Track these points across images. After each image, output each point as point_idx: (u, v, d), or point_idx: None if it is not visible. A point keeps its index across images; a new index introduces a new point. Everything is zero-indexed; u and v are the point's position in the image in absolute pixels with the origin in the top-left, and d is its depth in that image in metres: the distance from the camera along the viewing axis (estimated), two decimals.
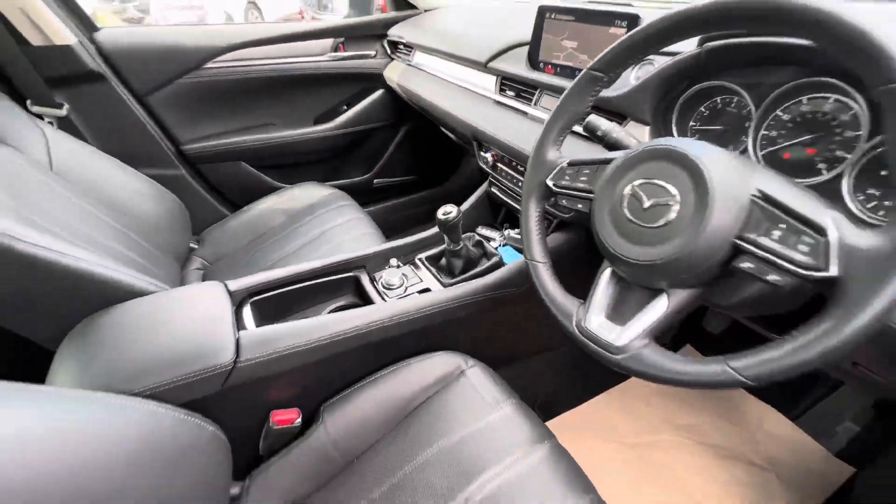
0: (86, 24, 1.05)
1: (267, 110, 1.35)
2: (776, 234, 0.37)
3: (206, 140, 1.29)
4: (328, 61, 1.34)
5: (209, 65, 1.20)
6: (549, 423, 0.65)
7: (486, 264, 0.87)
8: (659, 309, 0.45)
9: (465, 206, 1.03)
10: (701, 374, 0.40)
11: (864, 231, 0.34)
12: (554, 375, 1.08)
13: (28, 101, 1.00)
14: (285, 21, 7.46)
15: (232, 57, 1.23)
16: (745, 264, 0.38)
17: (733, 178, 0.39)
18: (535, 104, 0.86)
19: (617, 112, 0.69)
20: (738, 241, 0.39)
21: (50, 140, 0.89)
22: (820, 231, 0.34)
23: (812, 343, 0.33)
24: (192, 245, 1.18)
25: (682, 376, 0.41)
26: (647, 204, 0.43)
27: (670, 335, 1.23)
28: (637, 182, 0.44)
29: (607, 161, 0.49)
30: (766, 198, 0.38)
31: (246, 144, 1.33)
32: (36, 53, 0.97)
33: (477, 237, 0.94)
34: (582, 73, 0.53)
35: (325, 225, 1.12)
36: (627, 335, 0.45)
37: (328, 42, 1.35)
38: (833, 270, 0.33)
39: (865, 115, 0.48)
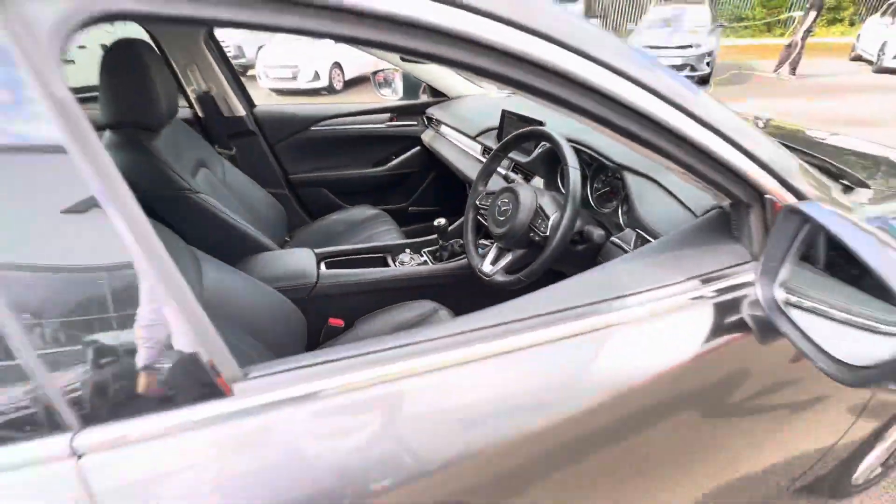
0: (250, 103, 1.81)
1: (343, 156, 2.05)
2: (540, 221, 0.91)
3: (303, 172, 1.99)
4: (385, 127, 2.04)
5: (313, 127, 1.92)
6: None
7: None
8: (507, 258, 0.99)
9: (457, 223, 1.61)
10: (510, 281, 0.93)
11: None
12: None
13: (216, 145, 1.74)
14: (360, 75, 8.57)
15: (328, 122, 1.95)
16: (532, 234, 0.93)
17: (532, 199, 0.95)
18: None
19: (530, 170, 1.25)
20: (530, 224, 0.93)
21: (225, 168, 1.59)
22: (548, 218, 0.89)
23: (540, 259, 0.87)
24: (286, 238, 1.84)
25: (503, 283, 0.95)
26: (503, 209, 0.99)
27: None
28: (501, 200, 1.00)
29: (498, 192, 1.06)
30: (540, 207, 0.93)
31: (327, 177, 2.02)
32: (225, 120, 1.73)
33: (461, 241, 1.50)
34: (493, 151, 1.11)
35: (371, 231, 1.73)
36: (495, 270, 1.00)
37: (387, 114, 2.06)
38: (548, 233, 0.87)
39: (618, 181, 1.01)
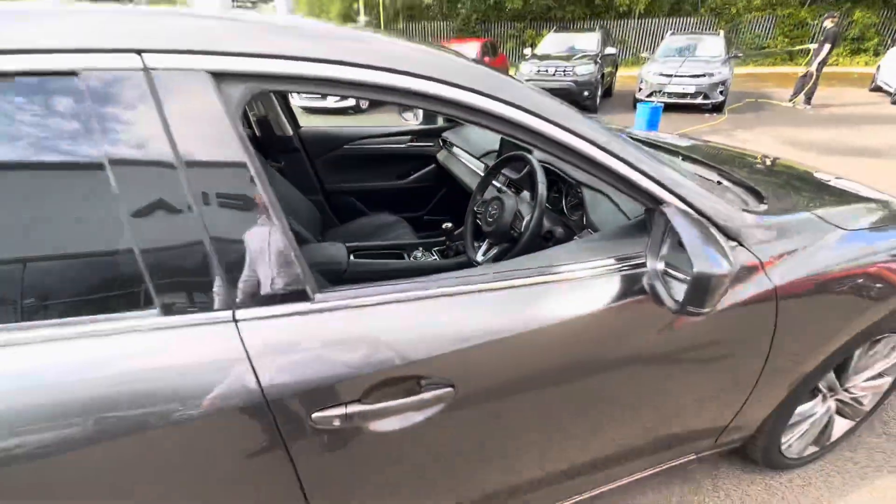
0: (296, 124, 2.19)
1: (370, 170, 2.40)
2: (517, 222, 1.22)
3: (336, 183, 2.35)
4: (406, 147, 2.39)
5: (346, 145, 2.29)
6: None
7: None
8: (494, 250, 1.30)
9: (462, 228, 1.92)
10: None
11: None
12: None
13: (268, 159, 2.11)
14: None
15: (359, 142, 2.31)
16: (512, 231, 1.23)
17: (513, 205, 1.26)
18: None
19: (520, 185, 1.56)
20: (511, 224, 1.24)
21: (275, 178, 1.95)
22: (523, 219, 1.19)
23: (515, 250, 1.17)
24: (319, 238, 2.18)
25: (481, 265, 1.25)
26: (492, 212, 1.30)
27: None
28: (491, 206, 1.31)
29: (489, 199, 1.37)
30: (518, 211, 1.24)
31: (355, 188, 2.37)
32: (277, 138, 2.11)
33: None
34: (488, 169, 1.43)
35: (389, 234, 2.06)
36: (484, 259, 1.31)
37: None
38: (521, 230, 1.18)
39: (581, 195, 1.31)
